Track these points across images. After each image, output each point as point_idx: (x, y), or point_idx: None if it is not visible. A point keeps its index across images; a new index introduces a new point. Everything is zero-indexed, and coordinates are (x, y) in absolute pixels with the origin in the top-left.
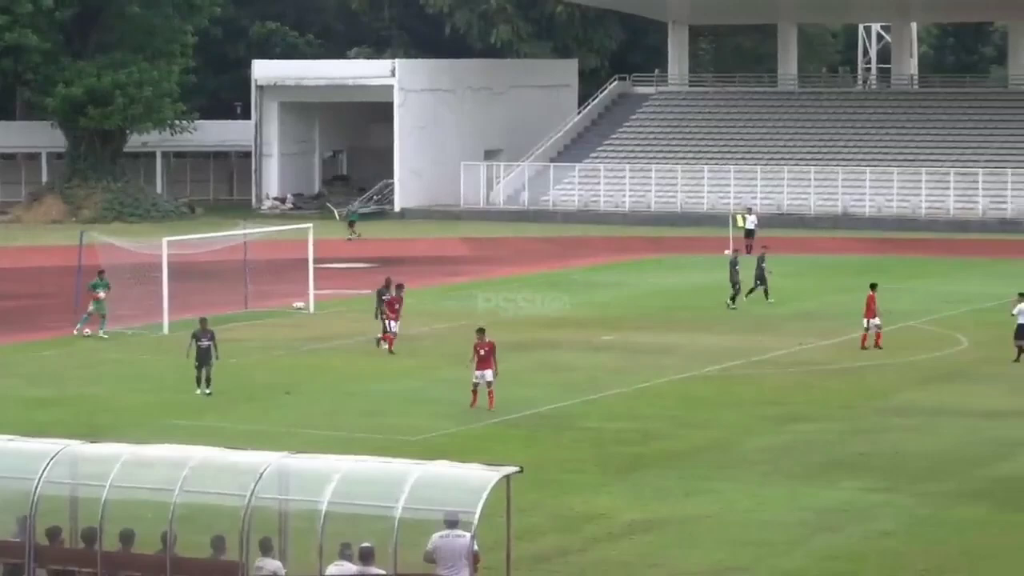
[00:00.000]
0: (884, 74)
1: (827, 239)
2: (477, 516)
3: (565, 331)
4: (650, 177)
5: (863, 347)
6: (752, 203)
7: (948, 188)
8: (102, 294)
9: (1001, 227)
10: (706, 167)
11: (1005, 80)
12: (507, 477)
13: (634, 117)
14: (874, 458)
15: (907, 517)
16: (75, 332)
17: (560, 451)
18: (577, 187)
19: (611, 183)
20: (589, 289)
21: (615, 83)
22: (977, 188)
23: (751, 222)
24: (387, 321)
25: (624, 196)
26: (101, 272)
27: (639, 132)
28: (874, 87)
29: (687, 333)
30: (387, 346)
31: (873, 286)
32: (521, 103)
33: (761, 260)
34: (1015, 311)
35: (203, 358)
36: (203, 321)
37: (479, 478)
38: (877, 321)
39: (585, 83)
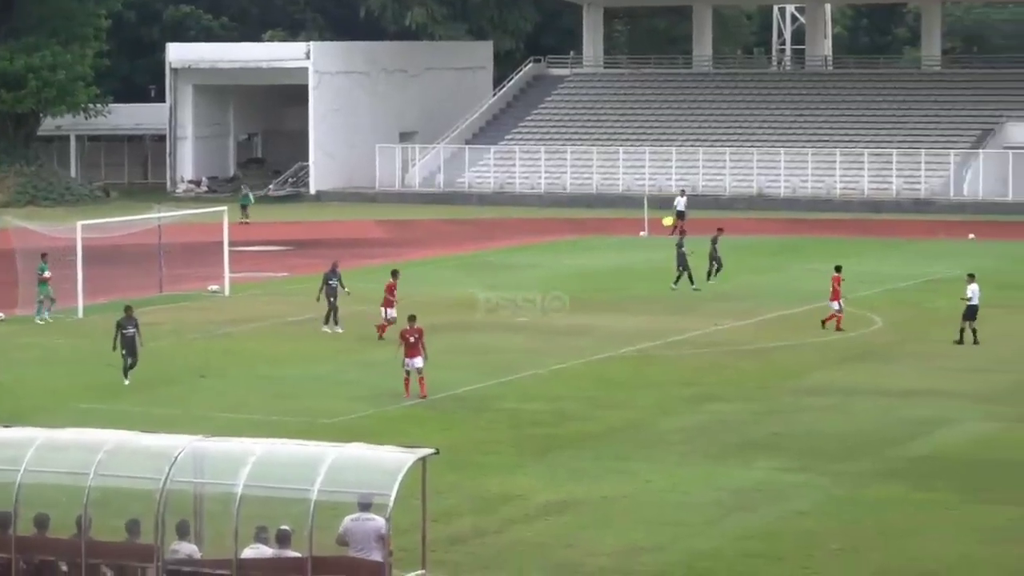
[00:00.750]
0: (798, 55)
1: (742, 220)
2: (392, 498)
3: (479, 313)
4: (565, 159)
5: (824, 326)
6: (683, 185)
7: (862, 169)
8: (48, 275)
9: (915, 207)
10: (621, 149)
11: (918, 61)
12: (423, 459)
13: (549, 99)
14: (789, 438)
15: (822, 496)
16: (38, 321)
17: (476, 433)
18: (492, 169)
19: (526, 165)
20: (505, 271)
21: (530, 65)
22: (891, 169)
23: (681, 203)
24: (384, 309)
25: (539, 178)
26: (44, 255)
27: (554, 114)
28: (788, 68)
29: (603, 314)
30: (379, 332)
31: (838, 268)
32: (436, 85)
33: (715, 241)
34: (968, 293)
35: (129, 346)
36: (128, 309)
37: (395, 460)
38: (835, 305)
39: (500, 65)
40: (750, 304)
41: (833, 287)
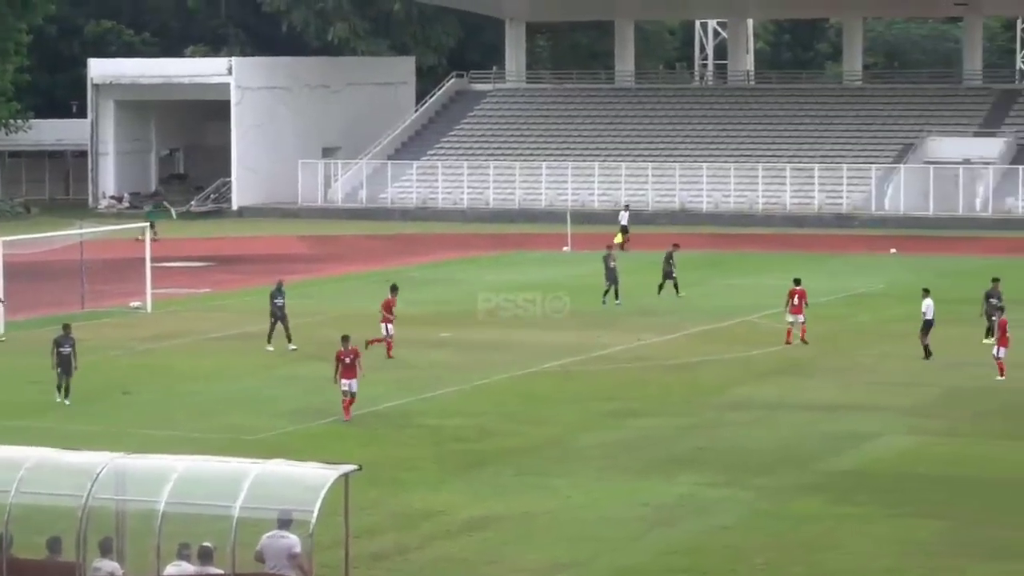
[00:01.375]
0: (721, 70)
1: (665, 235)
2: (315, 514)
3: (403, 328)
4: (488, 174)
5: (788, 343)
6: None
7: (784, 183)
8: None
9: (837, 222)
10: (544, 164)
11: (840, 76)
12: (345, 475)
13: (472, 114)
14: (712, 453)
15: (745, 511)
16: None
17: (399, 449)
18: (415, 184)
19: (449, 180)
20: (427, 286)
21: (453, 80)
22: (813, 183)
23: (625, 218)
24: (384, 325)
25: (462, 193)
26: None
27: (477, 129)
28: (711, 83)
29: (526, 329)
30: (386, 351)
31: (797, 281)
32: (358, 101)
33: (669, 257)
34: (924, 308)
35: (64, 365)
36: (66, 327)
37: (317, 477)
38: (801, 318)
39: (423, 80)
40: (673, 319)
41: (791, 299)
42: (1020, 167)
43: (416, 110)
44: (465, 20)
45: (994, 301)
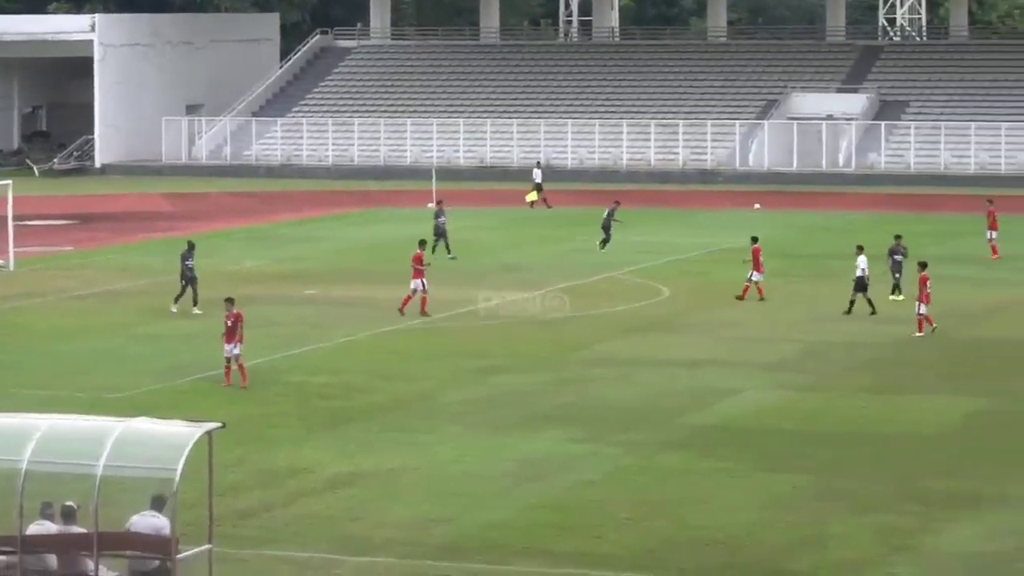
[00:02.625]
0: (586, 27)
1: (526, 191)
2: (179, 472)
3: (268, 286)
4: (353, 131)
5: (742, 298)
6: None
7: (649, 140)
8: None
9: (701, 178)
10: (409, 121)
11: (704, 32)
12: (209, 433)
13: (336, 71)
14: (577, 409)
15: (610, 466)
16: None
17: (264, 406)
18: (280, 141)
19: (314, 137)
20: (292, 243)
21: (317, 37)
22: (678, 139)
23: (537, 175)
24: (418, 280)
25: (327, 150)
26: None
27: (342, 86)
28: (576, 40)
29: (390, 286)
30: (420, 306)
31: (755, 239)
32: (222, 57)
33: (611, 213)
34: (859, 263)
35: None
36: None
37: (181, 435)
38: (759, 276)
39: (287, 37)
40: (537, 276)
41: (755, 258)
42: (882, 123)
43: (280, 67)
44: None
45: (898, 258)
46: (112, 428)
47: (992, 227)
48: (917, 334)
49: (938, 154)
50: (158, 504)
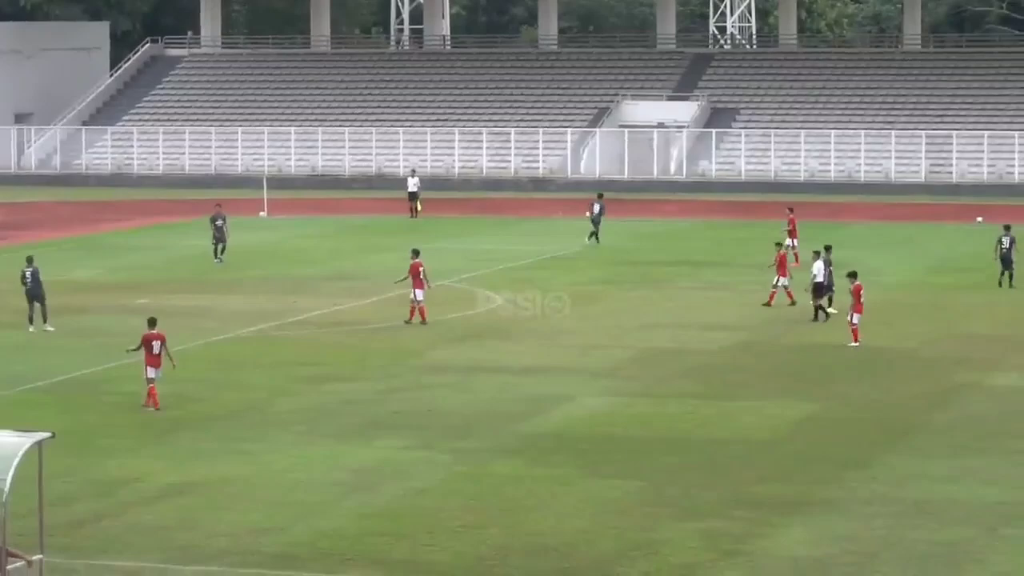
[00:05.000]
0: (417, 35)
1: (362, 200)
2: (8, 482)
3: (99, 295)
4: (184, 140)
5: (769, 304)
6: (419, 165)
7: (481, 148)
8: None
9: (533, 186)
10: (240, 129)
11: (535, 40)
12: (39, 443)
13: (167, 79)
14: (409, 416)
15: (443, 474)
16: None
17: (95, 416)
18: (110, 150)
19: (144, 146)
20: (124, 253)
21: (147, 45)
22: (510, 147)
23: (414, 184)
24: (415, 291)
25: (158, 159)
26: None
27: (172, 95)
28: (407, 48)
29: (223, 295)
30: (420, 318)
31: (779, 244)
32: (52, 66)
33: (601, 209)
34: (813, 270)
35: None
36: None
37: (10, 444)
38: (786, 281)
39: (117, 46)
40: (370, 284)
41: (780, 263)
42: (713, 130)
43: (110, 75)
44: None
45: (831, 269)
46: None
47: (792, 235)
48: (852, 344)
49: (768, 161)
50: None
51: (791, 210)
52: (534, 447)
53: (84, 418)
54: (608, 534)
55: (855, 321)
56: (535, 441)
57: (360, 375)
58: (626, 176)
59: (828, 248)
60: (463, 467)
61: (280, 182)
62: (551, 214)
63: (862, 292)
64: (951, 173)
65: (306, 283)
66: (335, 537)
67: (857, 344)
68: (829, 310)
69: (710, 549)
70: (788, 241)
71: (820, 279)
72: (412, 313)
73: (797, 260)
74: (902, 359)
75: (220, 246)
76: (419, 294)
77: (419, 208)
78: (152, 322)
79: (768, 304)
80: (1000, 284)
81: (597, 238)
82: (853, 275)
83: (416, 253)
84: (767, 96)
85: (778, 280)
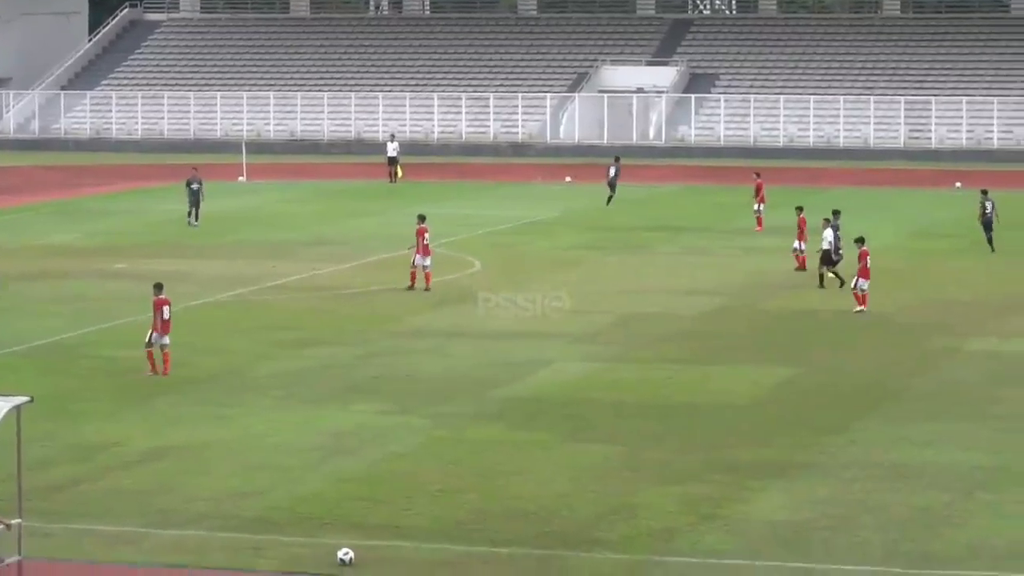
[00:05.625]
0: (396, 0)
1: (340, 165)
2: None
3: (77, 260)
4: (162, 104)
5: (801, 268)
6: (398, 130)
7: (460, 113)
8: None
9: (513, 151)
10: (219, 94)
11: (515, 5)
12: (17, 407)
13: (146, 44)
14: (388, 381)
15: (422, 438)
16: None
17: (74, 381)
18: (89, 115)
19: (123, 111)
20: (102, 217)
21: (126, 10)
22: (488, 113)
23: (393, 149)
24: (421, 256)
25: (137, 124)
26: None
27: (151, 59)
28: (386, 13)
29: (201, 260)
30: (425, 283)
31: (799, 208)
32: (31, 30)
33: (617, 171)
34: (823, 237)
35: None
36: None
37: None
38: (802, 245)
39: (96, 10)
40: (348, 249)
41: (800, 227)
42: (692, 96)
43: (89, 40)
44: None
45: (839, 234)
46: None
47: (760, 200)
48: (858, 309)
49: (747, 127)
50: None
51: (758, 175)
52: (513, 412)
53: (62, 382)
54: (587, 498)
55: (865, 287)
56: (514, 406)
57: (339, 340)
58: (605, 141)
59: (836, 213)
60: (442, 432)
61: (259, 147)
62: (530, 179)
63: (867, 257)
64: (930, 139)
65: (285, 248)
66: (314, 501)
67: (864, 309)
68: (842, 277)
69: (689, 513)
70: (755, 206)
71: (827, 247)
72: (413, 279)
73: (760, 224)
74: (881, 324)
75: (194, 210)
76: (427, 260)
77: (399, 173)
78: (159, 287)
79: (801, 268)
80: (993, 249)
81: (611, 200)
82: (861, 240)
83: (422, 218)
84: (746, 61)
85: (800, 244)
